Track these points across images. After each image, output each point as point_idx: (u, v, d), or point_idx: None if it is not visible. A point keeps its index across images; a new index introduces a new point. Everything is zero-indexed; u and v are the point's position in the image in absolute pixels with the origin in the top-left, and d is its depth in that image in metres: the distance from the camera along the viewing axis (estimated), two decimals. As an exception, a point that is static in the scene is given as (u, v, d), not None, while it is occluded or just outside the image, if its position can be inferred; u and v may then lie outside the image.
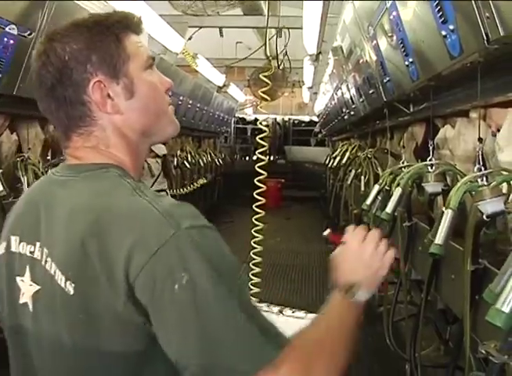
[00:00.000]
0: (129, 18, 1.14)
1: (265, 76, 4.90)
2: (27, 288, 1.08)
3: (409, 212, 2.70)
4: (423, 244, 2.15)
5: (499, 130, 2.20)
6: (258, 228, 3.65)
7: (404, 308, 2.87)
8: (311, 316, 1.77)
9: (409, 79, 2.71)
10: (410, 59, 2.55)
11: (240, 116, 15.60)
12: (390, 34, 2.76)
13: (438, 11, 1.90)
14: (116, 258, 0.94)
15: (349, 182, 5.24)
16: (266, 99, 3.81)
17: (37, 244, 1.06)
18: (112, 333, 0.98)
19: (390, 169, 3.05)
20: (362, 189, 4.31)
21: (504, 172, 1.78)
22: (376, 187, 2.90)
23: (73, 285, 0.98)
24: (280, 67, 6.95)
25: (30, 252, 1.07)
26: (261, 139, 3.55)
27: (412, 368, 2.49)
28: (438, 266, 2.24)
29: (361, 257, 1.24)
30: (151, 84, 1.14)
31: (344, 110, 6.85)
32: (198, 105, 8.76)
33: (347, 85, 5.72)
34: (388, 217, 2.56)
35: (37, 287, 1.06)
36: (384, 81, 3.33)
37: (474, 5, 1.59)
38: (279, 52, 6.80)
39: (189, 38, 6.32)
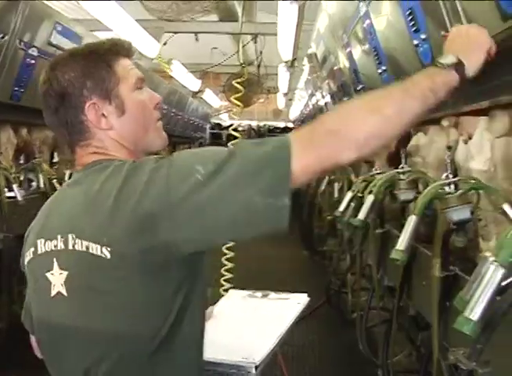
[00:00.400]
0: (119, 45, 1.35)
1: (238, 82, 4.93)
2: (57, 278, 1.23)
3: (381, 219, 2.72)
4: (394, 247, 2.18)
5: (470, 138, 2.23)
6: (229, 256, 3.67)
7: (377, 314, 2.89)
8: (297, 295, 1.79)
9: (382, 87, 2.72)
10: (383, 68, 2.57)
11: (216, 121, 15.59)
12: (363, 42, 2.79)
13: (411, 20, 1.93)
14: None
15: (323, 188, 5.26)
16: (239, 105, 3.82)
17: (58, 236, 1.23)
18: (145, 282, 1.16)
19: (363, 176, 3.08)
20: (336, 195, 4.32)
21: (472, 180, 1.80)
22: (349, 194, 2.92)
23: (109, 249, 1.14)
24: (255, 73, 6.99)
25: (54, 246, 1.24)
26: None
27: (385, 374, 2.51)
28: (410, 273, 2.25)
29: (477, 35, 1.32)
30: (140, 103, 1.34)
31: (318, 116, 6.88)
32: (173, 110, 8.73)
33: (322, 92, 5.76)
34: (361, 224, 2.57)
35: (66, 273, 1.21)
36: (358, 88, 3.35)
37: (445, 15, 1.62)
38: (254, 58, 6.84)
39: (165, 43, 6.30)
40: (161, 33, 6.20)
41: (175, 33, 6.40)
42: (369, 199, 2.53)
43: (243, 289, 1.95)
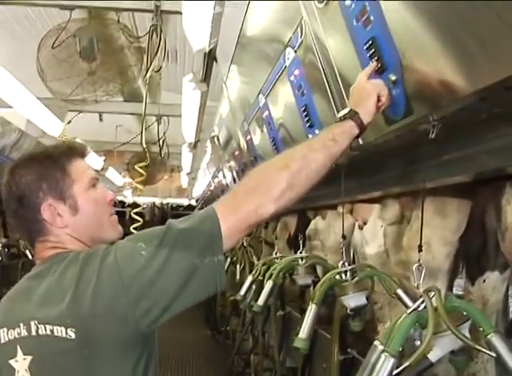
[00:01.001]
0: (72, 148, 1.47)
1: (141, 167, 4.98)
2: (21, 364, 1.29)
3: (282, 301, 2.77)
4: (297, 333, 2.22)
5: (365, 223, 2.35)
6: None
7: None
8: None
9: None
10: None
11: (119, 199, 15.40)
12: (262, 131, 2.91)
13: (305, 116, 2.06)
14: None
15: (225, 268, 5.27)
16: (141, 189, 3.87)
17: (21, 324, 1.29)
18: (108, 358, 1.26)
19: (263, 260, 3.14)
20: (238, 277, 4.36)
21: (367, 268, 1.90)
22: (250, 278, 2.97)
23: (73, 330, 1.23)
24: (159, 153, 7.05)
25: (18, 334, 1.30)
26: (134, 228, 3.61)
27: None
28: (311, 355, 2.30)
29: (364, 87, 1.42)
30: (93, 201, 1.44)
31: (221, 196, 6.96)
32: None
33: (224, 174, 5.87)
34: (260, 309, 2.60)
35: (30, 357, 1.28)
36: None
37: (336, 114, 1.75)
38: (157, 138, 6.91)
39: (69, 122, 6.28)
40: (65, 111, 6.18)
41: (80, 112, 6.40)
42: (269, 284, 2.58)
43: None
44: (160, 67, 4.23)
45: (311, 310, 1.89)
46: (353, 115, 1.39)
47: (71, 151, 1.46)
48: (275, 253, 3.18)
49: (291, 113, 2.25)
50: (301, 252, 2.73)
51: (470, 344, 1.29)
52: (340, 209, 2.53)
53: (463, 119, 1.32)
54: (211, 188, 8.24)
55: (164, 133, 6.73)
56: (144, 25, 5.23)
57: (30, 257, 6.05)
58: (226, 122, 4.39)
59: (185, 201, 15.62)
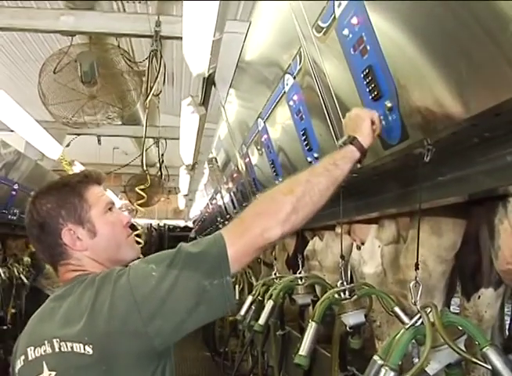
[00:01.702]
0: (89, 175, 1.57)
1: (141, 189, 5.02)
2: None
3: (281, 321, 2.81)
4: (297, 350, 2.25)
5: (363, 243, 2.40)
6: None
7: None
8: None
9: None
10: (280, 179, 2.75)
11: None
12: (261, 154, 2.97)
13: (304, 140, 2.12)
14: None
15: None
16: (142, 211, 3.87)
17: (45, 342, 1.37)
18: (124, 373, 1.34)
19: (262, 280, 3.17)
20: (237, 297, 4.38)
21: (365, 287, 1.95)
22: (250, 298, 3.00)
23: (91, 346, 1.31)
24: (157, 175, 7.09)
25: (44, 351, 1.38)
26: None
27: None
28: (311, 374, 2.32)
29: (356, 114, 1.52)
30: (110, 224, 1.53)
31: (218, 218, 6.99)
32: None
33: (222, 195, 5.91)
34: (261, 329, 2.64)
35: (54, 373, 1.36)
36: (257, 195, 3.50)
37: (335, 138, 1.81)
38: (155, 159, 6.95)
39: (67, 145, 6.34)
40: (64, 134, 6.25)
41: (78, 135, 6.47)
42: (269, 304, 2.62)
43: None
44: (160, 91, 4.31)
45: (311, 328, 1.94)
46: (352, 140, 1.48)
47: (87, 178, 1.56)
48: (275, 273, 3.21)
49: (290, 137, 2.31)
50: (299, 272, 2.77)
51: (467, 357, 1.33)
52: (338, 229, 2.58)
53: (456, 143, 1.38)
54: (209, 210, 8.27)
55: (162, 155, 6.78)
56: (141, 49, 5.33)
57: (25, 281, 6.05)
58: (225, 144, 4.44)
59: (181, 223, 15.62)
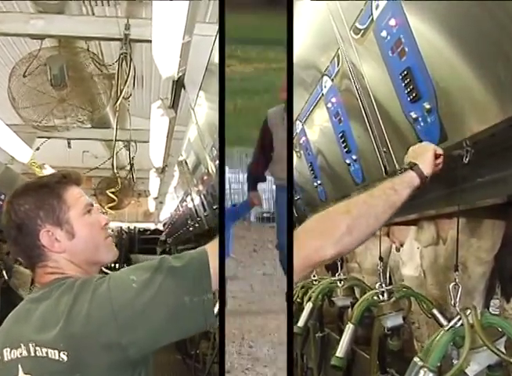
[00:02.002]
0: (67, 176, 1.52)
1: (112, 192, 4.94)
2: None
3: (321, 323, 2.79)
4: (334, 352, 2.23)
5: (402, 245, 2.40)
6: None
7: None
8: None
9: (318, 199, 2.94)
10: (319, 181, 2.77)
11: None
12: (299, 156, 2.96)
13: (343, 142, 2.12)
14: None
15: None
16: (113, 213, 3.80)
17: (21, 345, 1.35)
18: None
19: (301, 282, 3.12)
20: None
21: (404, 289, 1.94)
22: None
23: (65, 353, 1.29)
24: (127, 178, 7.00)
25: (20, 354, 1.36)
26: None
27: None
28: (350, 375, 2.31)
29: (420, 145, 1.52)
30: (88, 225, 1.50)
31: (189, 221, 6.95)
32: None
33: (192, 198, 5.87)
34: (300, 331, 2.62)
35: None
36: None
37: (373, 140, 1.80)
38: (125, 162, 6.86)
39: (37, 149, 6.23)
40: (34, 137, 6.14)
41: (48, 138, 6.35)
42: (308, 306, 2.60)
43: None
44: (130, 94, 4.27)
45: (349, 329, 1.93)
46: (412, 166, 1.47)
47: (66, 179, 1.52)
48: (313, 276, 3.15)
49: (328, 139, 2.32)
50: (338, 274, 2.73)
51: (506, 358, 1.34)
52: (377, 232, 2.58)
53: (494, 144, 1.38)
54: (179, 212, 8.20)
55: (133, 158, 6.70)
56: (110, 52, 5.25)
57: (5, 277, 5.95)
58: (195, 147, 4.43)
59: (152, 225, 15.44)
